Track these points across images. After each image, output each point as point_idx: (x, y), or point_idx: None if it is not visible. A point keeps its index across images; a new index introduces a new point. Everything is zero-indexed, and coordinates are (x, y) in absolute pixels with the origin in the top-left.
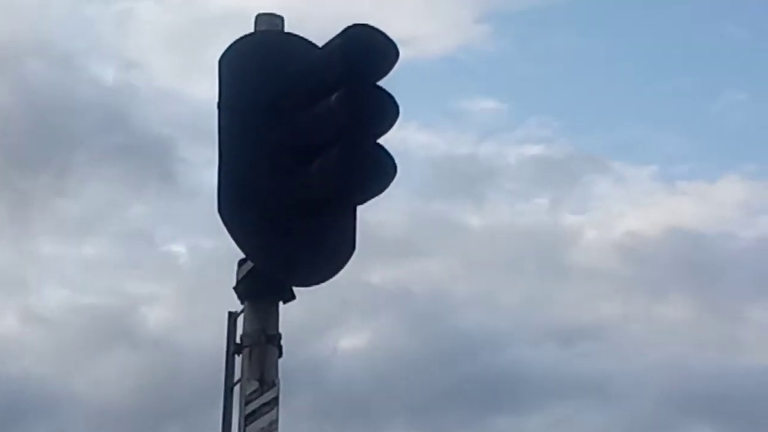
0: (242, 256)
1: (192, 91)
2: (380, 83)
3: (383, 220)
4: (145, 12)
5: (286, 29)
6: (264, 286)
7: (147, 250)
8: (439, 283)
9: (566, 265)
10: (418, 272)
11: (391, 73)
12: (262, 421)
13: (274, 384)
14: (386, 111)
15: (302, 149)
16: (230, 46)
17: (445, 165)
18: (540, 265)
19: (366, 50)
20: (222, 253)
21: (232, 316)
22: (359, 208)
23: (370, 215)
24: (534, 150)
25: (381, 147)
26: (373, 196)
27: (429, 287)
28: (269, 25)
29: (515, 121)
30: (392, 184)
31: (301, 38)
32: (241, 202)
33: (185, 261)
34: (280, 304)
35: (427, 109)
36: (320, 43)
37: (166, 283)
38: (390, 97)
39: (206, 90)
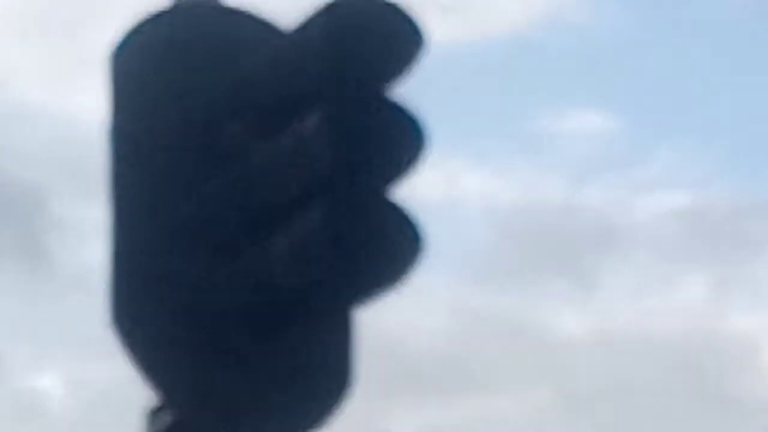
0: (155, 400)
1: (73, 108)
2: (393, 91)
3: (410, 331)
4: None
5: (228, 0)
6: None
7: None
8: None
9: (737, 400)
10: (477, 419)
11: (413, 74)
12: None
13: None
14: (402, 141)
15: (256, 210)
16: (130, 34)
17: (521, 226)
18: (693, 402)
19: (367, 37)
20: (121, 393)
21: None
22: (360, 314)
23: (386, 324)
24: (675, 199)
25: (394, 206)
26: (384, 292)
27: None
28: None
29: (639, 151)
30: (420, 269)
31: (256, 17)
32: (152, 306)
33: (58, 403)
34: None
35: (484, 132)
36: (288, 26)
37: None
38: (409, 118)
39: (95, 106)
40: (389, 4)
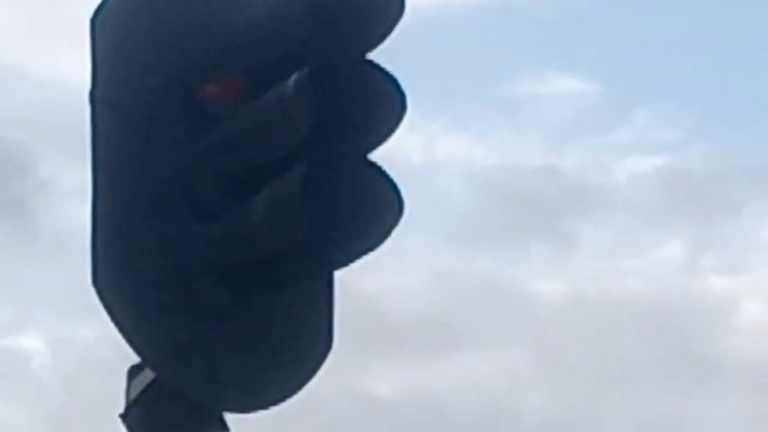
0: (135, 359)
1: (59, 71)
2: (373, 55)
3: (391, 291)
4: None
5: None
6: (175, 412)
7: None
8: (493, 395)
9: (712, 361)
10: (455, 378)
11: (393, 35)
12: None
13: None
14: (384, 103)
15: (238, 171)
16: None
17: (500, 189)
18: (669, 363)
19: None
20: (103, 353)
21: None
22: (340, 273)
23: (367, 283)
24: (652, 162)
25: (374, 166)
26: (364, 253)
27: (474, 402)
28: None
29: (617, 115)
30: (403, 229)
31: None
32: (132, 266)
33: (42, 364)
34: None
35: (464, 96)
36: None
37: (6, 400)
38: (390, 80)
39: (82, 69)
40: None
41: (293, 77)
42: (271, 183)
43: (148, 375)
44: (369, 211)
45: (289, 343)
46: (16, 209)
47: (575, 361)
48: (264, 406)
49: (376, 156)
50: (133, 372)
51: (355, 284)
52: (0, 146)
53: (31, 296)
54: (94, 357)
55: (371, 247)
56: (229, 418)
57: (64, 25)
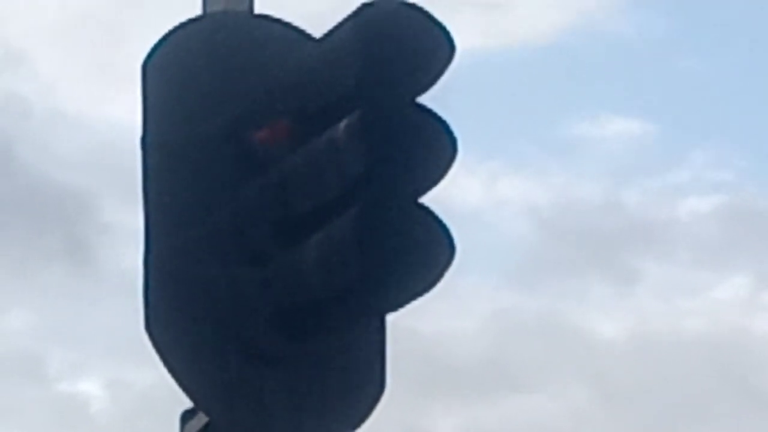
0: (186, 402)
1: (118, 114)
2: (428, 98)
3: (450, 332)
4: None
5: (258, 9)
6: None
7: (34, 389)
8: None
9: None
10: (516, 418)
11: (447, 76)
12: None
13: None
14: (435, 146)
15: (290, 215)
16: (161, 42)
17: (558, 230)
18: (731, 402)
19: (397, 43)
20: (161, 397)
21: None
22: (399, 317)
23: (426, 325)
24: (710, 201)
25: (425, 209)
26: (416, 297)
27: None
28: (229, 1)
29: (674, 155)
30: (462, 269)
31: (285, 24)
32: (184, 310)
33: (100, 409)
34: None
35: (520, 138)
36: (318, 33)
37: None
38: (441, 123)
39: (136, 108)
40: (417, 9)
41: (344, 121)
42: (322, 227)
43: (201, 419)
44: (421, 255)
45: (341, 387)
46: (78, 251)
47: (636, 400)
48: None
49: (432, 198)
50: (186, 417)
51: (414, 326)
52: (62, 189)
53: (90, 339)
54: (151, 401)
55: (423, 291)
56: None
57: (119, 69)
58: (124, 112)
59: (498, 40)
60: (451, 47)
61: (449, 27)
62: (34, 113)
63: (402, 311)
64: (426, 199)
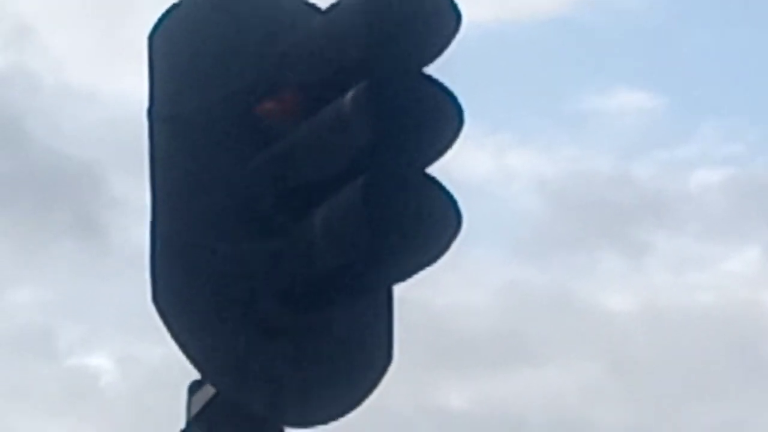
0: (195, 375)
1: (127, 88)
2: (430, 70)
3: (462, 305)
4: None
5: None
6: (235, 428)
7: (45, 364)
8: (566, 408)
9: None
10: (528, 391)
11: (459, 50)
12: None
13: None
14: (441, 117)
15: (298, 187)
16: (167, 13)
17: (567, 202)
18: (742, 374)
19: (403, 13)
20: (171, 372)
21: None
22: (401, 287)
23: (438, 298)
24: (717, 174)
25: (432, 180)
26: (423, 267)
27: (548, 415)
28: None
29: (683, 128)
30: (472, 242)
31: None
32: (192, 283)
33: (110, 382)
34: None
35: (530, 111)
36: (324, 4)
37: (76, 418)
38: (447, 94)
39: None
40: None
41: (351, 92)
42: (330, 198)
43: (208, 391)
44: (427, 225)
45: (349, 358)
46: (88, 226)
47: (647, 374)
48: (324, 421)
49: (441, 169)
50: (193, 388)
51: (424, 299)
52: (72, 165)
53: (101, 314)
54: (161, 375)
55: (430, 262)
56: None
57: (127, 44)
58: (133, 86)
59: (508, 13)
60: (458, 16)
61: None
62: (44, 88)
63: (412, 283)
64: (434, 171)
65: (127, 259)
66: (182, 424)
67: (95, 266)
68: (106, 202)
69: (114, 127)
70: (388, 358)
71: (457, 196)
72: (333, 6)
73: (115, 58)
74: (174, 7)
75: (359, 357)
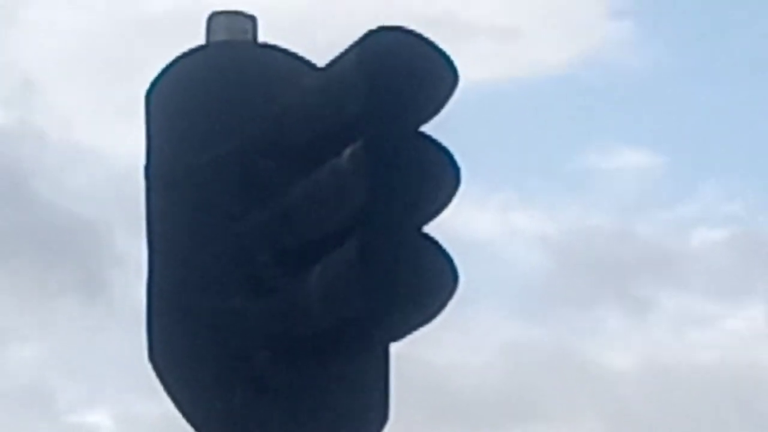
0: None
1: (126, 144)
2: (432, 129)
3: (461, 364)
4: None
5: (261, 38)
6: None
7: (44, 422)
8: None
9: None
10: None
11: (454, 110)
12: None
13: None
14: (438, 176)
15: (293, 245)
16: (164, 71)
17: (567, 262)
18: (750, 430)
19: (400, 72)
20: (167, 429)
21: None
22: (401, 345)
23: (437, 357)
24: (718, 233)
25: (429, 239)
26: (419, 326)
27: None
28: (232, 31)
29: (684, 187)
30: (473, 301)
31: (288, 53)
32: (188, 341)
33: None
34: None
35: (529, 170)
36: (321, 62)
37: None
38: (444, 152)
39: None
40: (420, 37)
41: (347, 151)
42: (326, 257)
43: None
44: (424, 284)
45: (345, 416)
46: (92, 284)
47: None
48: None
49: (442, 228)
50: None
51: (425, 358)
52: (75, 222)
53: (101, 371)
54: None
55: (426, 320)
56: None
57: (133, 101)
58: (138, 143)
59: (508, 71)
60: (455, 75)
61: (458, 58)
62: (49, 144)
63: (413, 341)
64: (435, 231)
65: (129, 316)
66: None
67: (97, 323)
68: (109, 259)
69: (118, 184)
70: (384, 417)
71: (459, 254)
72: (330, 64)
73: (120, 114)
74: (171, 64)
75: (355, 415)
